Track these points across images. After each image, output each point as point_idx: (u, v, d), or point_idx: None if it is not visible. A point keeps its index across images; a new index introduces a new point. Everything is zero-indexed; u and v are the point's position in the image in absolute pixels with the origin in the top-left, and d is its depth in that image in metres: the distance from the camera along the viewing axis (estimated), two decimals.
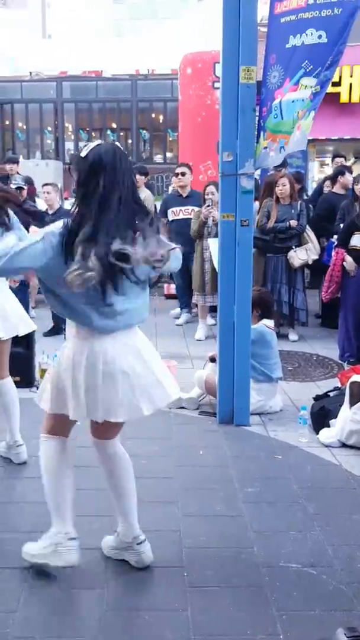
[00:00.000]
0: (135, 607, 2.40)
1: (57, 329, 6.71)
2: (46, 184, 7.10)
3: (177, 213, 7.13)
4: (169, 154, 23.43)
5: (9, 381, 3.66)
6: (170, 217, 7.18)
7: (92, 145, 2.44)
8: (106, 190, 2.31)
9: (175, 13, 39.02)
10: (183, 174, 7.14)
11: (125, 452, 2.69)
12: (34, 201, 7.73)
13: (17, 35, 30.59)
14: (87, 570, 2.62)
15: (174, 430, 4.14)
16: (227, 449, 3.86)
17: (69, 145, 24.16)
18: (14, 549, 2.73)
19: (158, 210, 7.63)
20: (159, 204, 8.46)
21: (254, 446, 3.93)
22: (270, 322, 4.59)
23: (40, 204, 7.59)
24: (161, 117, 23.53)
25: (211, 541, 2.84)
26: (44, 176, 16.84)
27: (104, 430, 2.61)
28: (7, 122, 24.09)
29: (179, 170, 7.24)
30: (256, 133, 4.19)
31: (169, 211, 7.21)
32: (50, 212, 6.90)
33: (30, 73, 26.21)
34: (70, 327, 2.63)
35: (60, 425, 2.61)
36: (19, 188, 6.76)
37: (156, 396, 2.53)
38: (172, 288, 8.52)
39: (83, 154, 2.39)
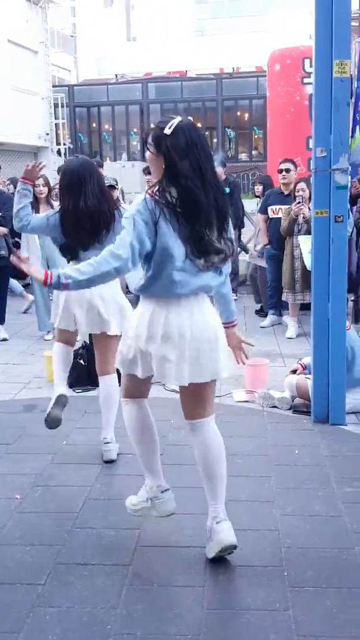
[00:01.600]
0: (236, 606, 2.40)
1: None
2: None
3: (276, 211, 6.92)
4: (254, 152, 23.28)
5: (112, 377, 3.75)
6: (270, 214, 7.01)
7: (173, 121, 2.44)
8: (203, 166, 2.41)
9: (258, 10, 38.68)
10: (287, 170, 6.79)
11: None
12: None
13: (102, 36, 31.26)
14: (186, 569, 2.65)
15: (269, 429, 4.12)
16: (323, 449, 3.81)
17: None
18: (114, 545, 2.81)
19: (258, 207, 7.54)
20: (247, 203, 8.44)
21: (351, 446, 3.85)
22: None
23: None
24: (247, 115, 23.44)
25: (311, 541, 2.81)
26: (130, 177, 17.18)
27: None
28: (94, 125, 24.68)
29: (283, 166, 6.84)
30: (351, 127, 4.10)
31: (269, 208, 7.02)
32: None
33: (116, 75, 26.74)
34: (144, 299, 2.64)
35: (134, 387, 2.76)
36: (111, 186, 6.85)
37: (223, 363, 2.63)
38: None
39: (168, 131, 2.41)
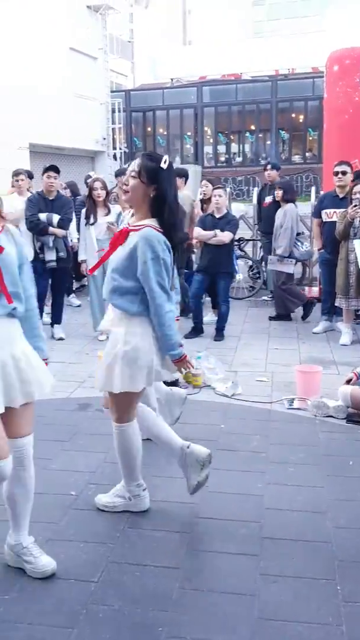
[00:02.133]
0: (288, 617, 2.37)
1: (197, 330, 6.85)
2: (217, 187, 6.94)
3: (330, 215, 6.78)
4: (308, 154, 23.01)
5: None
6: (324, 218, 6.89)
7: (165, 157, 2.85)
8: (176, 195, 2.89)
9: (315, 11, 38.21)
10: (344, 172, 6.66)
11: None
12: None
13: (158, 41, 31.44)
14: (237, 575, 2.64)
15: (321, 438, 4.06)
16: None
17: (208, 149, 24.49)
18: (165, 547, 2.83)
19: (313, 210, 7.43)
20: (301, 206, 8.33)
21: None
22: None
23: None
24: (301, 117, 23.18)
25: None
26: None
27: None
28: (149, 129, 24.85)
29: (339, 168, 6.69)
30: None
31: (323, 212, 6.90)
32: (217, 215, 6.80)
33: (171, 80, 26.86)
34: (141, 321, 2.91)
35: (134, 407, 3.09)
36: None
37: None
38: (313, 291, 8.36)
39: (164, 166, 2.80)
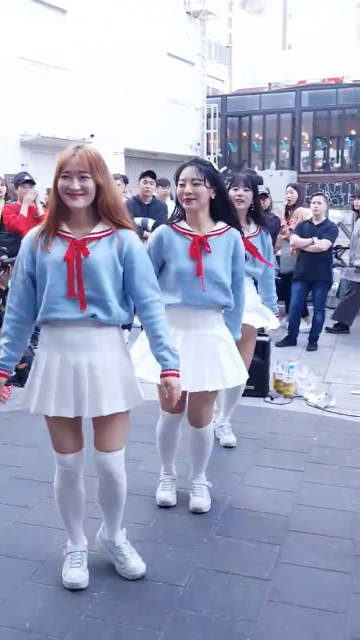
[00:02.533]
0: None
1: (291, 340, 6.78)
2: (317, 194, 6.92)
3: None
4: None
5: None
6: None
7: (209, 161, 3.15)
8: None
9: None
10: None
11: None
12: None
13: (256, 45, 31.38)
14: (327, 592, 2.59)
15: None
16: None
17: (304, 154, 24.16)
18: (254, 558, 2.81)
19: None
20: None
21: None
22: None
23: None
24: None
25: None
26: (278, 185, 17.11)
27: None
28: (244, 134, 24.81)
29: None
30: None
31: None
32: (316, 223, 6.78)
33: (269, 84, 26.72)
34: None
35: None
36: (263, 195, 6.79)
37: None
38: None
39: (217, 168, 3.08)
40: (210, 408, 3.21)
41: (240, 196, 3.77)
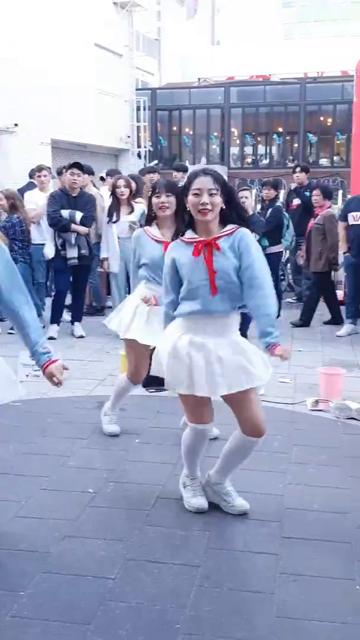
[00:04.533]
0: (307, 616, 2.37)
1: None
2: (243, 189, 6.96)
3: (357, 218, 6.82)
4: (336, 158, 22.90)
5: None
6: (350, 221, 6.93)
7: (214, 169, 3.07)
8: None
9: (346, 14, 38.05)
10: None
11: None
12: None
13: (186, 39, 31.50)
14: (256, 574, 2.65)
15: (343, 440, 4.05)
16: None
17: (234, 150, 24.47)
18: (184, 545, 2.85)
19: (339, 213, 7.40)
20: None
21: None
22: None
23: None
24: (330, 120, 23.07)
25: None
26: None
27: None
28: (174, 128, 24.90)
29: None
30: None
31: (350, 215, 6.93)
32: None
33: (199, 79, 26.89)
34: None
35: None
36: None
37: None
38: (338, 294, 8.32)
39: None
40: (260, 408, 3.05)
41: (164, 203, 3.75)
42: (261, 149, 24.44)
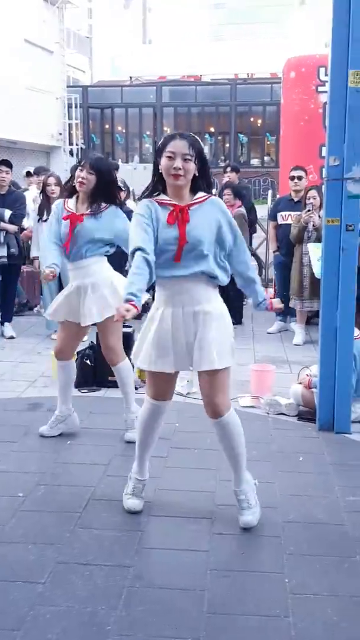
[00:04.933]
0: (237, 611, 2.40)
1: None
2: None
3: (285, 218, 6.96)
4: (266, 158, 23.31)
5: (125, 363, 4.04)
6: (279, 220, 7.06)
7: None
8: None
9: (275, 17, 38.72)
10: (300, 177, 6.86)
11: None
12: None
13: (118, 38, 31.36)
14: (187, 572, 2.66)
15: (273, 435, 4.13)
16: (327, 457, 3.81)
17: None
18: (115, 546, 2.83)
19: (268, 213, 7.52)
20: (258, 209, 8.44)
21: (355, 454, 3.85)
22: None
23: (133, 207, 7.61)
24: (260, 121, 23.48)
25: (313, 548, 2.82)
26: (142, 180, 17.22)
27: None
28: (107, 126, 24.78)
29: (294, 173, 6.92)
30: None
31: (279, 215, 7.07)
32: None
33: (131, 78, 26.84)
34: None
35: None
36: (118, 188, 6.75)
37: None
38: (268, 292, 8.48)
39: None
40: (226, 392, 2.95)
41: (83, 179, 3.72)
42: None
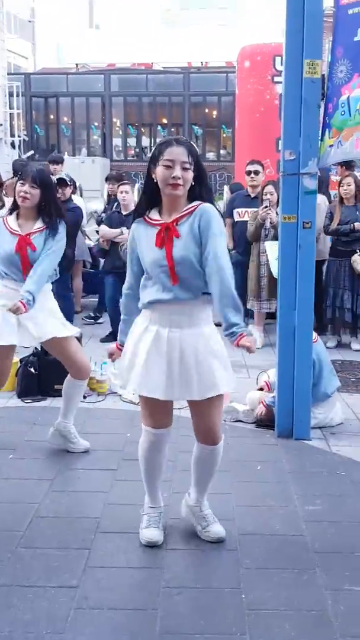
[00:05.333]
0: (191, 630, 2.41)
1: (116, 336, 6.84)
2: (123, 183, 6.97)
3: (242, 214, 7.02)
4: (222, 151, 23.49)
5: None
6: (236, 217, 7.12)
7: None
8: None
9: (230, 2, 39.10)
10: (256, 172, 6.93)
11: None
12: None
13: (63, 24, 31.16)
14: (138, 591, 2.67)
15: (230, 444, 4.13)
16: (286, 464, 3.87)
17: (117, 142, 24.48)
18: (61, 566, 2.81)
19: (224, 210, 7.57)
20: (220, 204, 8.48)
21: (315, 462, 3.92)
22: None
23: (79, 203, 7.54)
24: (215, 112, 23.64)
25: (271, 561, 2.85)
26: (91, 174, 17.12)
27: None
28: (52, 117, 24.54)
29: (251, 168, 6.99)
30: (320, 130, 4.19)
31: (235, 211, 7.13)
32: (124, 212, 6.79)
33: (77, 65, 26.67)
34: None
35: None
36: (62, 181, 6.67)
37: None
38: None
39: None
40: (221, 418, 2.99)
41: (26, 193, 3.67)
42: (145, 140, 24.62)
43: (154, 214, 2.85)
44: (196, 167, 2.78)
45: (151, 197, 2.85)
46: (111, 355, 3.10)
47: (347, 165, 7.26)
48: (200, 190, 2.82)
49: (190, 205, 2.81)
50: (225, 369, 2.88)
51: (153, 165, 2.78)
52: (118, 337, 3.06)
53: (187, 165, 2.73)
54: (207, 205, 2.81)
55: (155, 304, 2.83)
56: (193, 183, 2.79)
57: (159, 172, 2.74)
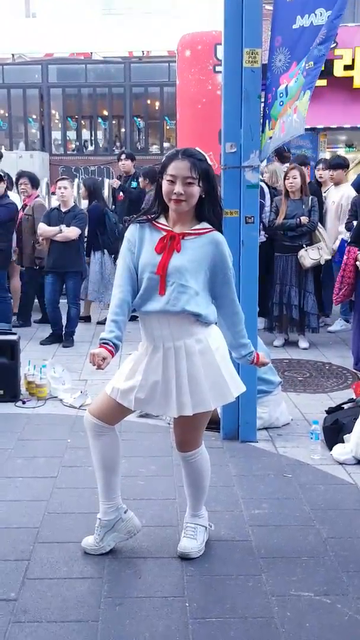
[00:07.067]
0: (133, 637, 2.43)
1: (56, 336, 6.79)
2: (62, 179, 6.95)
3: None
4: (166, 144, 23.50)
5: None
6: None
7: (201, 151, 2.83)
8: None
9: None
10: None
11: None
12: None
13: None
14: (79, 602, 2.65)
15: (174, 448, 4.17)
16: (232, 468, 3.90)
17: (56, 135, 24.23)
18: (1, 580, 2.77)
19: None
20: None
21: (261, 464, 3.96)
22: None
23: (14, 199, 7.44)
24: (157, 104, 23.63)
25: (215, 568, 2.88)
26: (30, 169, 16.86)
27: None
28: None
29: None
30: (261, 122, 4.24)
31: None
32: (63, 209, 6.80)
33: (13, 55, 26.29)
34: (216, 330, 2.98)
35: None
36: None
37: None
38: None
39: (209, 161, 2.84)
40: (199, 433, 2.97)
41: None
42: (86, 133, 24.45)
43: (161, 219, 2.85)
44: (205, 182, 2.75)
45: (158, 206, 2.85)
46: (103, 360, 2.77)
47: (280, 155, 7.40)
48: (209, 205, 2.81)
49: (201, 228, 2.81)
50: (212, 386, 2.84)
51: (160, 177, 2.80)
52: (107, 337, 2.79)
53: (191, 180, 2.71)
54: (221, 236, 2.84)
55: (146, 313, 2.83)
56: (203, 196, 2.77)
57: (163, 186, 2.77)
